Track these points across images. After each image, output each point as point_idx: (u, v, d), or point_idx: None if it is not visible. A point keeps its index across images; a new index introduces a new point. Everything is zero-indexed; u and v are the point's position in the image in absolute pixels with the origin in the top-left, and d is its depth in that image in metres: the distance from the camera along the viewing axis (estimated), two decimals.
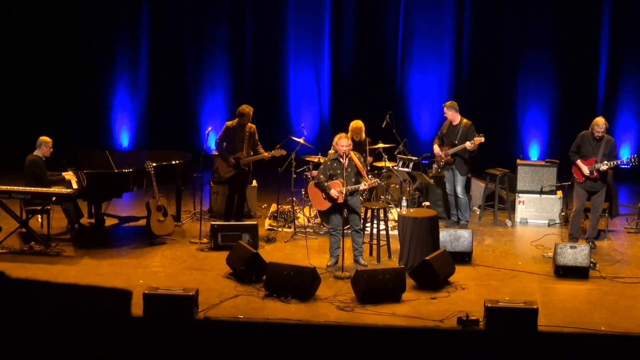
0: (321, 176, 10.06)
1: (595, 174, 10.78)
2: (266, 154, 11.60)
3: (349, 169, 9.95)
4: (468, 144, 11.41)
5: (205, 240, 10.99)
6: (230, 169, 11.62)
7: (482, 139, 11.37)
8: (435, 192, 12.25)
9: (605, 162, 10.69)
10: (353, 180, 9.98)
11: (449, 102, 11.88)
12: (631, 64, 14.74)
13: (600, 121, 10.81)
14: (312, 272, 9.19)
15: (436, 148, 11.82)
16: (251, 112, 11.58)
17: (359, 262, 10.18)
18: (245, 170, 11.74)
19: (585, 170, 10.78)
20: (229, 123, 11.75)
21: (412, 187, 12.05)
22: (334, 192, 9.91)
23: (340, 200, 9.96)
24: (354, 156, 10.07)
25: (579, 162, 10.86)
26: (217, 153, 11.98)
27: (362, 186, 10.01)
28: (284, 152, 11.70)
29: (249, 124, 11.59)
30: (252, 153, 11.67)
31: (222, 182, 11.96)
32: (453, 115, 11.72)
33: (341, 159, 10.01)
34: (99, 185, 10.88)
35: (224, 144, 11.63)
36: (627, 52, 14.74)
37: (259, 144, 11.70)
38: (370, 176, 10.34)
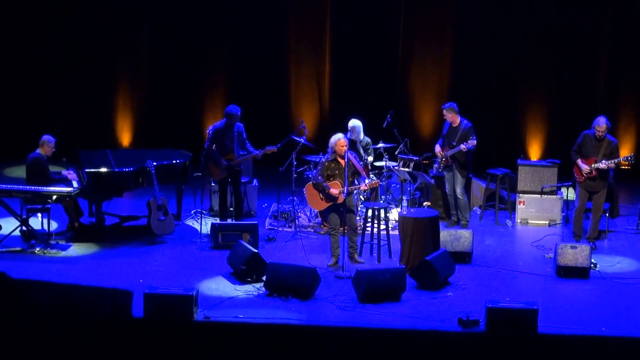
0: (319, 176, 10.06)
1: (594, 172, 10.78)
2: (257, 152, 11.52)
3: (347, 169, 9.93)
4: (462, 147, 11.39)
5: (205, 239, 10.99)
6: (222, 171, 11.55)
7: (474, 142, 11.34)
8: (436, 192, 12.24)
9: (604, 160, 10.70)
10: (351, 180, 9.98)
11: (449, 104, 11.81)
12: (632, 64, 14.71)
13: (601, 121, 10.80)
14: (312, 272, 9.19)
15: (437, 148, 11.81)
16: (239, 113, 11.48)
17: (354, 259, 10.18)
18: (238, 170, 11.67)
19: (584, 168, 10.79)
20: (216, 124, 11.63)
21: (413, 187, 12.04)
22: (334, 191, 9.91)
23: (340, 200, 9.96)
24: (352, 156, 10.06)
25: (579, 161, 10.87)
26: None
27: (363, 186, 10.01)
28: (275, 150, 11.60)
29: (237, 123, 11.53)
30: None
31: (218, 181, 11.90)
32: (453, 117, 11.69)
33: (339, 159, 10.00)
34: (99, 184, 10.88)
35: (214, 146, 11.52)
36: (628, 53, 14.72)
37: (248, 141, 11.61)
38: (370, 176, 10.33)
